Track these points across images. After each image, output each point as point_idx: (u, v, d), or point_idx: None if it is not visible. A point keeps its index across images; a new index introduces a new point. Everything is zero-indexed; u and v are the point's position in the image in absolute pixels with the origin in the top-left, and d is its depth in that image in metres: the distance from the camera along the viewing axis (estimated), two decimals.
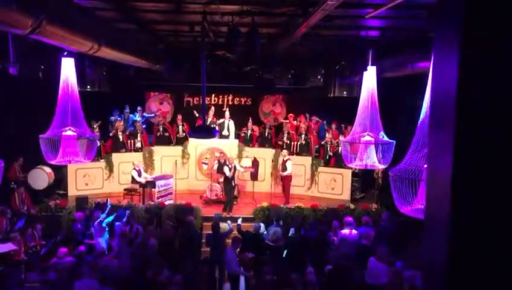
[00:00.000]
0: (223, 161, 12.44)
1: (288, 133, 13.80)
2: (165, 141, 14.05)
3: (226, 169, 11.95)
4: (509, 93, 1.74)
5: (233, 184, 12.11)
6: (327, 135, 13.69)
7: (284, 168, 12.34)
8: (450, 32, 1.89)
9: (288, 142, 13.58)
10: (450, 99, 1.82)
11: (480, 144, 1.78)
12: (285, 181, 12.50)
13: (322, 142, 13.69)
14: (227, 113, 14.55)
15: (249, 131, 14.33)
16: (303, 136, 13.48)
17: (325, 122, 14.49)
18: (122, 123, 13.75)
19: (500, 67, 1.74)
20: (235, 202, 12.45)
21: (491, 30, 1.73)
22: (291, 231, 9.59)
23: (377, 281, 7.81)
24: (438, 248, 2.00)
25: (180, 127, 14.30)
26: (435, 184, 2.07)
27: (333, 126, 14.06)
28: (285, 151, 12.65)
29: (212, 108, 14.80)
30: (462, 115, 1.78)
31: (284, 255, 9.08)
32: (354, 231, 9.22)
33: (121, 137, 13.39)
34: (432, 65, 2.30)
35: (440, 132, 1.99)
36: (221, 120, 14.44)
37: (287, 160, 12.37)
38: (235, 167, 12.17)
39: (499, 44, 1.72)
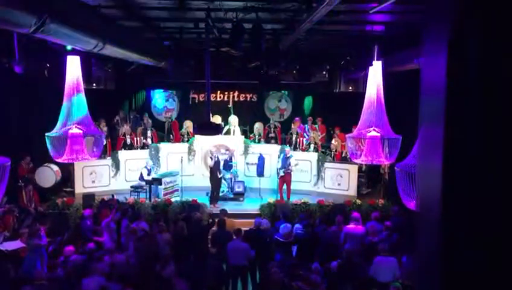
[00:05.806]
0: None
1: (297, 134, 13.72)
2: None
3: (208, 160, 12.08)
4: (501, 87, 1.70)
5: (218, 176, 12.13)
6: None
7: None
8: (439, 26, 1.86)
9: (295, 140, 13.53)
10: (440, 93, 1.80)
11: (470, 139, 1.75)
12: (287, 177, 12.43)
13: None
14: (234, 120, 14.43)
15: (257, 136, 14.28)
16: (312, 145, 13.39)
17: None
18: (128, 126, 13.79)
19: (491, 61, 1.70)
20: (241, 199, 12.46)
21: (480, 25, 1.69)
22: (296, 227, 9.57)
23: (384, 278, 7.77)
24: (430, 242, 1.99)
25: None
26: (426, 180, 2.05)
27: (336, 131, 13.94)
28: (287, 148, 12.56)
29: None
30: (452, 109, 1.76)
31: (293, 251, 9.09)
32: (359, 226, 9.19)
33: (128, 140, 13.47)
34: (422, 60, 2.27)
35: (430, 126, 1.97)
36: (227, 127, 14.24)
37: (289, 157, 12.32)
38: (218, 157, 12.22)
39: (489, 37, 1.69)
